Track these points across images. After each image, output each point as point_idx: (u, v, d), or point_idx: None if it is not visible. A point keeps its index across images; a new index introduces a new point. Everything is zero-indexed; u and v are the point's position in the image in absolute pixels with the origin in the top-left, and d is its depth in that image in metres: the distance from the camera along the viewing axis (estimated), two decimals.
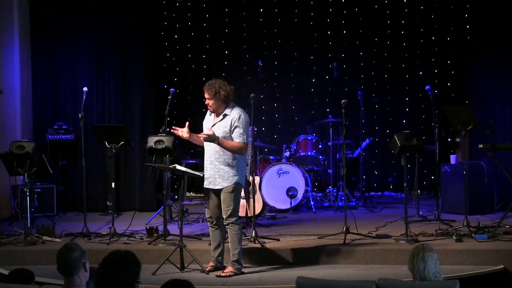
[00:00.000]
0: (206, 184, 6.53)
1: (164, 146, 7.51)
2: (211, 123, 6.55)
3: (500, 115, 9.80)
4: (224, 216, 6.44)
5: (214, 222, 6.59)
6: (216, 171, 6.45)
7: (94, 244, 7.40)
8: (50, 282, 5.60)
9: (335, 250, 6.97)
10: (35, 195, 9.25)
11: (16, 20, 10.01)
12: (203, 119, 6.73)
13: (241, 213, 8.44)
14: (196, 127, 11.96)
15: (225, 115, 6.49)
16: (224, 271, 6.46)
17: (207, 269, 6.53)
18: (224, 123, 6.46)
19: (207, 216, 6.66)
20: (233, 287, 6.15)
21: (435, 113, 8.80)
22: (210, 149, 6.50)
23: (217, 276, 6.41)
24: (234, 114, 6.46)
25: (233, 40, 11.63)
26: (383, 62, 11.58)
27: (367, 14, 11.44)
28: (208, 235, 7.54)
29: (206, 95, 6.48)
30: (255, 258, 6.94)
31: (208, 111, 6.64)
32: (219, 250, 6.64)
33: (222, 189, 6.44)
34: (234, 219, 6.42)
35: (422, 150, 7.75)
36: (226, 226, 6.50)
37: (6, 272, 6.42)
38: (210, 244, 6.75)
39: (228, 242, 6.54)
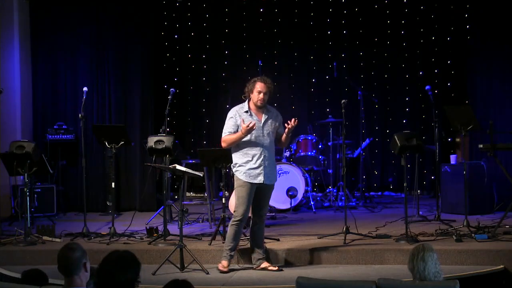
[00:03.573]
0: (256, 180, 6.51)
1: (164, 146, 7.51)
2: (255, 119, 6.53)
3: (500, 115, 9.80)
4: (266, 212, 6.70)
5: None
6: (272, 167, 6.62)
7: (94, 244, 7.40)
8: (50, 282, 5.60)
9: (335, 250, 6.97)
10: (35, 195, 9.27)
11: (16, 20, 10.02)
12: (221, 119, 6.73)
13: None
14: (196, 127, 12.04)
15: (268, 111, 6.64)
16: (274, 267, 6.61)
17: (273, 269, 6.57)
18: (273, 118, 6.63)
19: (247, 215, 6.55)
20: (233, 286, 6.15)
21: (435, 113, 8.80)
22: (267, 145, 6.58)
23: (270, 270, 6.55)
24: (275, 109, 6.75)
25: (233, 40, 11.63)
26: (383, 62, 11.58)
27: (367, 14, 11.44)
28: (209, 235, 7.59)
29: (265, 89, 6.52)
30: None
31: (238, 111, 6.57)
32: None
33: (272, 184, 6.64)
34: None
35: (422, 150, 7.75)
36: (261, 221, 6.64)
37: (16, 274, 6.41)
38: (234, 244, 6.69)
39: (256, 237, 6.66)
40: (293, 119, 6.52)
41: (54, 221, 8.81)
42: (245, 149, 6.53)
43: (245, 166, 6.51)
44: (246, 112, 6.57)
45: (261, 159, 6.52)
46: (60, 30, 10.39)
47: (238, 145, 6.55)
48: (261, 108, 6.59)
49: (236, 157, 6.60)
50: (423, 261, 4.18)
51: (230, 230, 6.57)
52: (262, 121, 6.57)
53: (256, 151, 6.52)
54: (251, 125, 6.34)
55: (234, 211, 6.59)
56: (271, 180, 6.61)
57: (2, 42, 9.88)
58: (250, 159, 6.51)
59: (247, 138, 6.48)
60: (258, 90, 6.52)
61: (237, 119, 6.53)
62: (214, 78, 11.76)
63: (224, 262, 6.58)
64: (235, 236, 6.56)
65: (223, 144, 6.63)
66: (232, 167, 6.66)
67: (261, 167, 6.51)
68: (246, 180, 6.49)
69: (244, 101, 6.68)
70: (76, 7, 10.35)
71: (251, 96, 6.57)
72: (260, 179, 6.51)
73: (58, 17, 10.40)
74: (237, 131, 6.51)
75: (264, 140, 6.55)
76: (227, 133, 6.55)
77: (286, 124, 6.56)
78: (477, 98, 10.25)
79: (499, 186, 9.14)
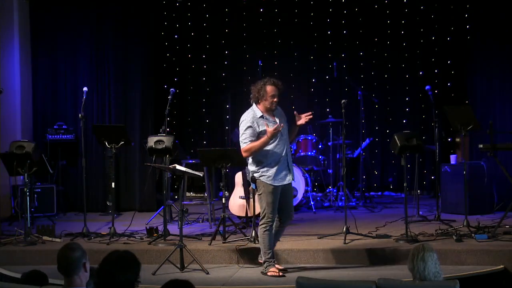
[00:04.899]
0: (285, 181, 6.48)
1: (164, 146, 7.52)
2: (271, 122, 6.47)
3: (500, 115, 9.80)
4: (291, 211, 6.66)
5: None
6: (290, 166, 6.59)
7: (94, 244, 7.41)
8: (50, 282, 5.60)
9: (335, 250, 6.97)
10: (35, 195, 9.28)
11: (16, 20, 10.01)
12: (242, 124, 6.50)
13: (241, 213, 8.46)
14: (196, 127, 12.03)
15: (276, 113, 6.58)
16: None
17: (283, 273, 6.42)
18: (282, 117, 6.60)
19: (274, 217, 6.41)
20: (233, 287, 6.15)
21: (435, 113, 8.80)
22: (287, 144, 6.57)
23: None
24: (281, 110, 6.66)
25: (233, 40, 11.63)
26: (383, 62, 11.57)
27: (367, 14, 11.43)
28: (209, 235, 7.58)
29: (277, 92, 6.46)
30: (255, 258, 6.91)
31: (254, 118, 6.41)
32: None
33: (290, 183, 6.59)
34: None
35: (422, 150, 7.75)
36: (288, 222, 6.65)
37: (16, 275, 6.41)
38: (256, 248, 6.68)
39: (276, 238, 6.61)
40: (303, 114, 6.54)
41: (54, 221, 8.82)
42: (271, 152, 6.42)
43: (272, 168, 6.40)
44: (262, 117, 6.45)
45: (286, 158, 6.50)
46: (60, 30, 10.39)
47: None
48: (273, 110, 6.53)
49: (261, 161, 6.42)
50: (423, 261, 4.18)
51: (265, 237, 6.37)
52: (278, 122, 6.52)
53: (280, 151, 6.46)
54: (279, 127, 6.28)
55: (263, 217, 6.37)
56: (294, 177, 6.67)
57: (2, 42, 9.88)
58: (277, 160, 6.42)
59: (271, 140, 6.38)
60: (271, 94, 6.41)
61: (256, 127, 6.39)
62: (214, 78, 11.75)
63: (274, 268, 6.39)
64: (271, 241, 6.44)
65: (246, 154, 6.40)
66: (253, 172, 6.47)
67: (288, 166, 6.52)
68: (276, 185, 6.39)
69: (250, 106, 6.56)
70: (76, 7, 10.35)
71: (262, 101, 6.44)
72: (289, 179, 6.52)
73: (58, 17, 10.40)
74: (257, 139, 6.37)
75: (284, 140, 6.52)
76: (249, 142, 6.34)
77: (303, 117, 6.55)
78: (477, 98, 10.24)
79: (499, 186, 9.14)
